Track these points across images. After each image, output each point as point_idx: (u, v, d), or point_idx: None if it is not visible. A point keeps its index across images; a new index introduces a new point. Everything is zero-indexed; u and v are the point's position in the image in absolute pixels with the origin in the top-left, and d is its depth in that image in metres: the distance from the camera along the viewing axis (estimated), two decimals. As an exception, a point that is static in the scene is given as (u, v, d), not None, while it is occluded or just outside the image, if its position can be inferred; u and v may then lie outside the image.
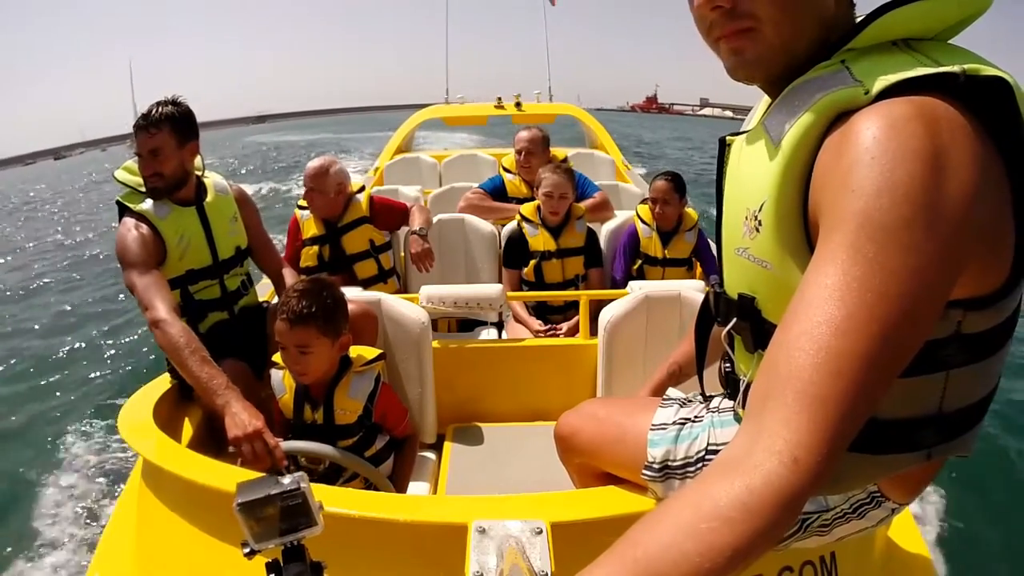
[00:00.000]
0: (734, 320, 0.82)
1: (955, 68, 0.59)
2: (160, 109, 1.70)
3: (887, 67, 0.62)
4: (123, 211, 1.77)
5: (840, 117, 0.63)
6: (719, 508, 0.50)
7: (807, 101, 0.66)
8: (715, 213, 0.88)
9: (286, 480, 0.76)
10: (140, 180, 1.77)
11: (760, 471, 0.50)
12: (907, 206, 0.54)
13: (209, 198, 1.86)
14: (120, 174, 1.80)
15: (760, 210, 0.71)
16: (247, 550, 0.76)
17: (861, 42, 0.67)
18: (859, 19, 0.71)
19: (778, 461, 0.50)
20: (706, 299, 1.02)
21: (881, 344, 0.53)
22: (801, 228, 0.67)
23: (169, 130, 1.71)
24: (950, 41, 0.68)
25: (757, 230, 0.72)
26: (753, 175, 0.73)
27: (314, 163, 2.48)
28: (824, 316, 0.54)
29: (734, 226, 0.79)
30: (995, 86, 0.60)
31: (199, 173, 1.88)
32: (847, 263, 0.55)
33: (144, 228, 1.72)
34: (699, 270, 2.68)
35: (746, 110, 1.00)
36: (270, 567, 0.77)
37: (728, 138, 0.85)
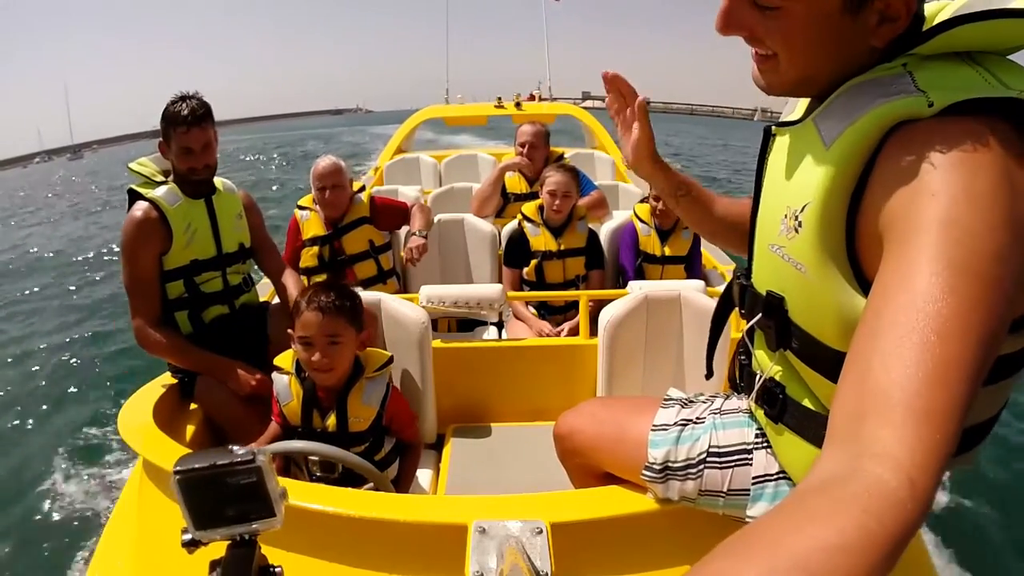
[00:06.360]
0: (759, 316, 0.82)
1: (1022, 95, 0.60)
2: (198, 106, 1.78)
3: (952, 81, 0.62)
4: (134, 198, 1.83)
5: (898, 126, 0.62)
6: (842, 540, 0.41)
7: (865, 105, 0.64)
8: (752, 202, 0.87)
9: (240, 450, 0.60)
10: (153, 171, 1.88)
11: (876, 498, 0.43)
12: (992, 212, 0.54)
13: (217, 194, 1.92)
14: (134, 165, 1.91)
15: (802, 211, 0.70)
16: (187, 537, 0.63)
17: (927, 49, 0.66)
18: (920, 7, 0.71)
19: (897, 484, 0.44)
20: (729, 288, 1.01)
21: (980, 350, 0.50)
22: (843, 237, 0.67)
23: (212, 123, 1.83)
24: (1009, 57, 0.68)
25: (796, 230, 0.71)
26: (799, 174, 0.72)
27: (325, 162, 2.49)
28: (922, 323, 0.51)
29: (771, 221, 0.78)
30: None
31: None
32: (937, 267, 0.52)
33: (153, 213, 1.79)
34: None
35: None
36: (213, 566, 0.65)
37: (774, 128, 0.83)
